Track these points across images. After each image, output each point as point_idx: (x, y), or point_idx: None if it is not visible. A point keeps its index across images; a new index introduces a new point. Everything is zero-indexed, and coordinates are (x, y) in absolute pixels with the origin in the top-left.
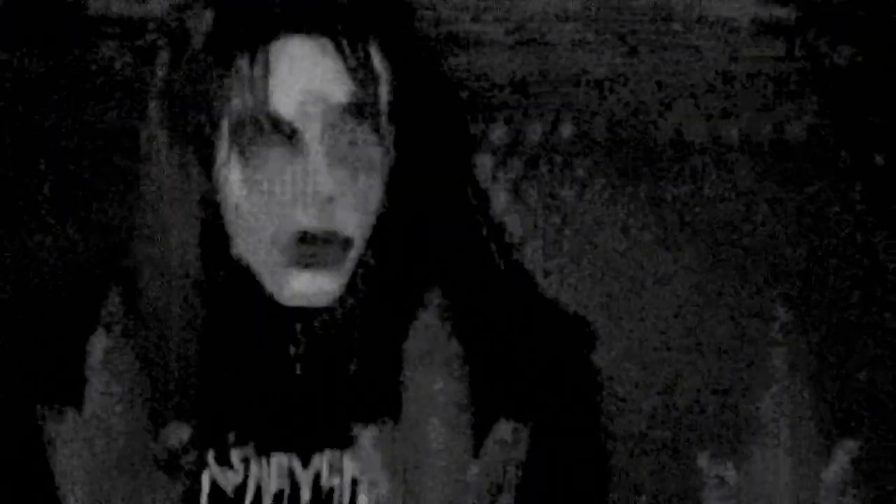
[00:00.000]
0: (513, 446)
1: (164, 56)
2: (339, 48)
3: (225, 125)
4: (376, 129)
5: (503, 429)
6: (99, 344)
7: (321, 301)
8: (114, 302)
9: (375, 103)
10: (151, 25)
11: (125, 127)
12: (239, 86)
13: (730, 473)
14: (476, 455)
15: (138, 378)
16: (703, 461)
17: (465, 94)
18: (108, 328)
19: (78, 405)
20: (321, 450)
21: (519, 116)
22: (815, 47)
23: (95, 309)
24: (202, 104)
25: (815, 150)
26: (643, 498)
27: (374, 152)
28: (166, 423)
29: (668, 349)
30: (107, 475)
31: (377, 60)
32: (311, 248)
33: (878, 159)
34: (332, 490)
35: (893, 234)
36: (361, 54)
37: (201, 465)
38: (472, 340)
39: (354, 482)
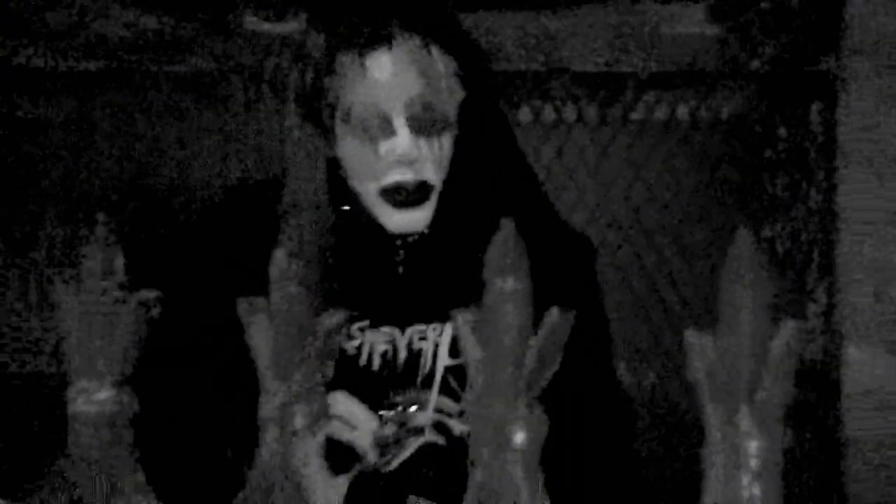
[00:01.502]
0: (560, 328)
1: (296, 68)
2: (412, 55)
3: (339, 113)
4: (443, 108)
5: (554, 314)
6: (280, 256)
7: (416, 229)
8: (287, 229)
9: (440, 90)
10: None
11: None
12: (346, 86)
13: (707, 340)
14: (535, 332)
15: (305, 281)
16: (690, 334)
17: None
18: (284, 246)
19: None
20: (413, 324)
21: None
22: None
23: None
24: (322, 99)
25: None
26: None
27: (444, 122)
28: (323, 312)
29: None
30: (287, 350)
31: (438, 60)
32: (406, 193)
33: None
34: (420, 351)
35: None
36: (427, 57)
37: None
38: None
39: (436, 346)
